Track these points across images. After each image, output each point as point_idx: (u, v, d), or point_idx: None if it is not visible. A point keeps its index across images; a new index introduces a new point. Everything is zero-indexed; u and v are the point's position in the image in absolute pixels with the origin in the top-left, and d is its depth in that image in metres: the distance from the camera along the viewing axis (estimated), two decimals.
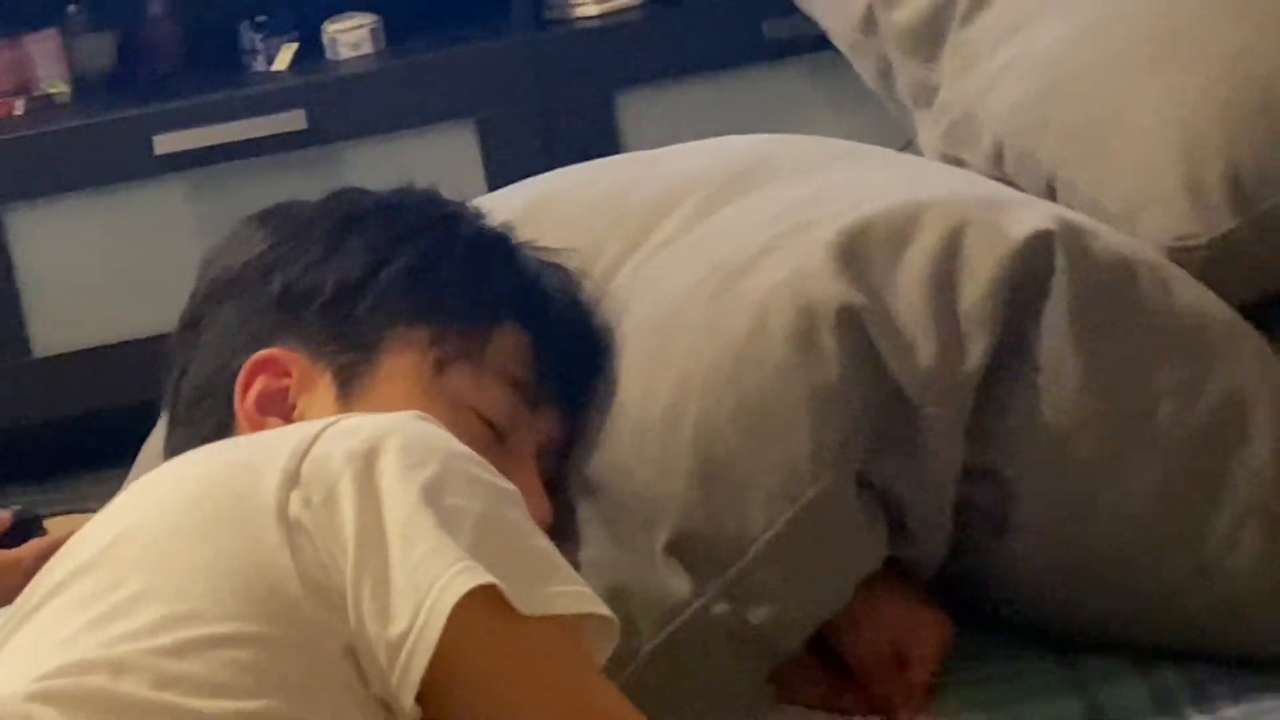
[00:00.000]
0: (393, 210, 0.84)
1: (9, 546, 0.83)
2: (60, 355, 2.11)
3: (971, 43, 1.07)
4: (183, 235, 2.03)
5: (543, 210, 0.91)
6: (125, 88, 2.23)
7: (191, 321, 0.83)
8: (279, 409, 0.77)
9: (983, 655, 0.84)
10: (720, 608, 0.77)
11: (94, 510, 0.75)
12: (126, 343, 2.04)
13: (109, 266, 2.11)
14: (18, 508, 0.88)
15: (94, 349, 2.10)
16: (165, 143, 2.06)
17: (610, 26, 2.15)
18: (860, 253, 0.79)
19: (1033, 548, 0.82)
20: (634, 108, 2.11)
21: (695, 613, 0.77)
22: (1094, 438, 0.79)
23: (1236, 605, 0.80)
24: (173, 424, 0.83)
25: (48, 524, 0.88)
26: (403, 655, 0.61)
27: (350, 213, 0.83)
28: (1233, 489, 0.79)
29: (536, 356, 0.82)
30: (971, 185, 0.93)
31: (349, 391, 0.78)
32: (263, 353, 0.78)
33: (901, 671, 0.81)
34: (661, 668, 0.76)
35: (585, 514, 0.81)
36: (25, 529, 0.84)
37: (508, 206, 0.90)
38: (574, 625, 0.65)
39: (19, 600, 0.68)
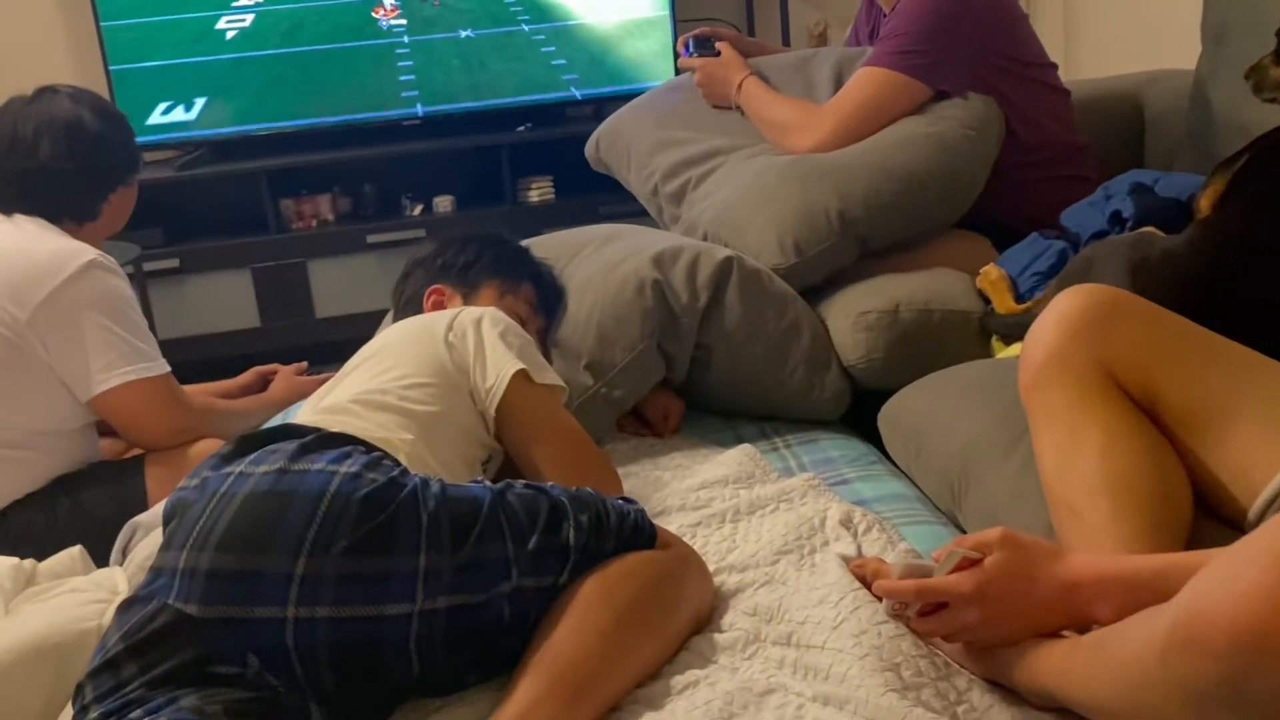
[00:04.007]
0: (485, 237, 1.88)
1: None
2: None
3: (694, 199, 2.31)
4: None
5: (540, 244, 2.08)
6: None
7: (405, 274, 1.87)
8: (440, 308, 1.74)
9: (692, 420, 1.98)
10: (603, 390, 1.88)
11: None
12: None
13: None
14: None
15: None
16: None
17: None
18: (660, 260, 1.93)
19: (715, 376, 1.97)
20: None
21: (593, 392, 1.87)
22: (742, 334, 1.93)
23: (791, 398, 1.95)
24: (395, 314, 1.85)
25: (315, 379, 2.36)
26: (490, 394, 1.53)
27: (470, 236, 1.88)
28: (793, 355, 1.94)
29: (537, 295, 1.85)
30: (696, 242, 2.06)
31: (467, 303, 1.75)
32: (433, 286, 1.79)
33: (666, 418, 1.95)
34: (579, 410, 1.76)
35: (554, 354, 1.87)
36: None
37: (532, 241, 2.06)
38: (553, 390, 1.58)
39: (342, 370, 1.60)
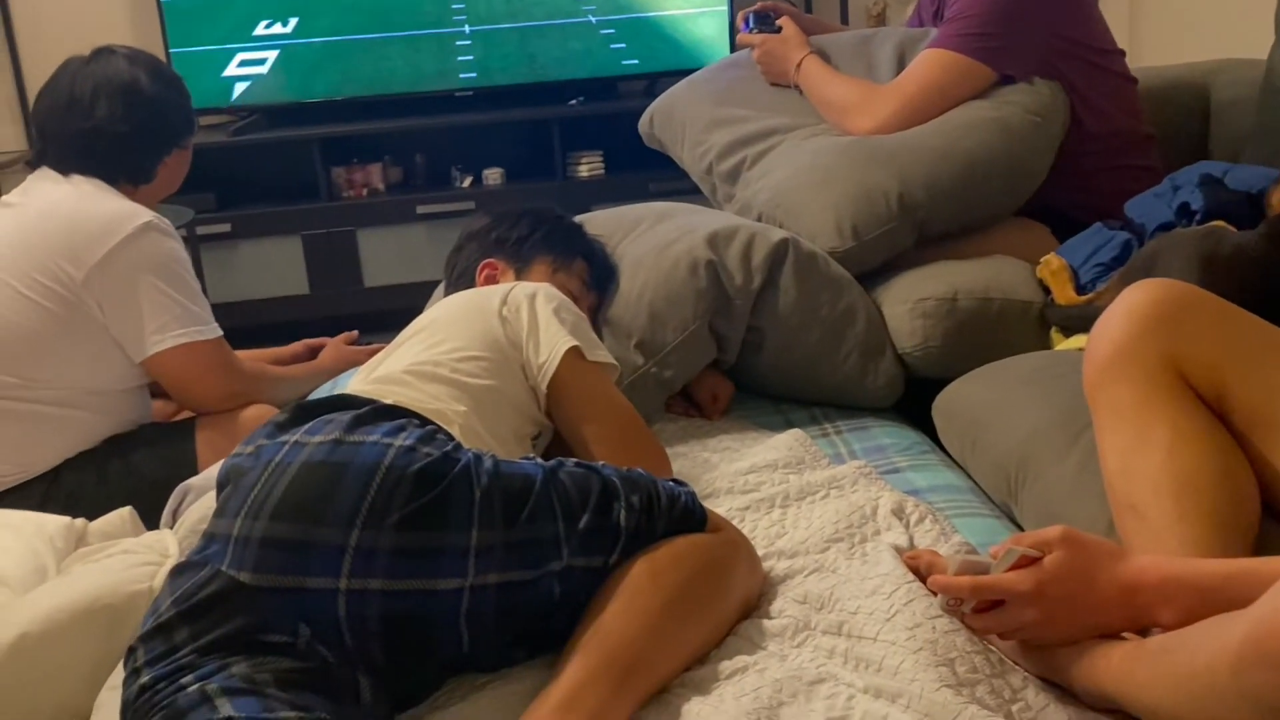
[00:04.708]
0: (539, 213, 1.88)
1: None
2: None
3: (749, 178, 2.27)
4: None
5: (592, 221, 2.09)
6: None
7: (457, 247, 1.88)
8: (493, 282, 1.76)
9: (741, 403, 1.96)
10: (653, 369, 1.86)
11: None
12: None
13: None
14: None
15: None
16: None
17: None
18: (715, 240, 1.90)
19: (766, 359, 1.93)
20: None
21: (643, 371, 1.85)
22: (796, 318, 1.90)
23: (843, 385, 1.92)
24: (448, 286, 1.87)
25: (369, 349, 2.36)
26: (543, 370, 1.53)
27: (524, 210, 1.88)
28: (847, 341, 1.91)
29: (589, 272, 1.87)
30: (751, 222, 2.02)
31: (520, 278, 1.76)
32: (486, 260, 1.81)
33: (715, 400, 1.92)
34: (629, 389, 1.75)
35: (605, 332, 1.86)
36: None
37: (584, 218, 2.10)
38: (605, 367, 1.58)
39: (394, 342, 1.60)
